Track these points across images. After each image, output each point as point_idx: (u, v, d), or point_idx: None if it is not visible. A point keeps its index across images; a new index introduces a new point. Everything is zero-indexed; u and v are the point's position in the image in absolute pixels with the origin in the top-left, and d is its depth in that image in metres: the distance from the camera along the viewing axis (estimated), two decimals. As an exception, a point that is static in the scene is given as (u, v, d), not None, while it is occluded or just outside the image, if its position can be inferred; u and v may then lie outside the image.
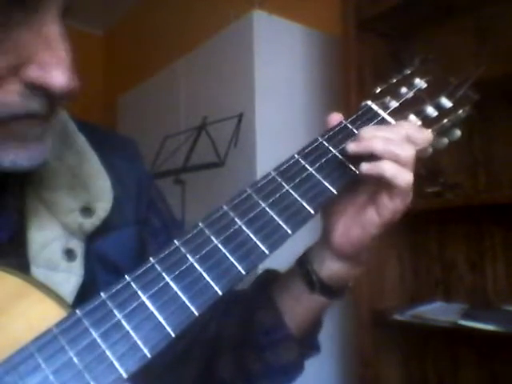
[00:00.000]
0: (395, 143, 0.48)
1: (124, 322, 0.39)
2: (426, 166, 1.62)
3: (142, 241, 0.58)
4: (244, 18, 1.89)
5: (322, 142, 0.51)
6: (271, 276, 0.61)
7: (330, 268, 0.54)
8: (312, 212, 0.47)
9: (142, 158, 0.65)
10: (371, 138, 0.49)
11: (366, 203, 0.51)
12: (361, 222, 0.51)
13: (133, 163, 0.62)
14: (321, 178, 0.48)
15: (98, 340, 0.38)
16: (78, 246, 0.49)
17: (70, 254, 0.48)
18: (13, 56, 0.39)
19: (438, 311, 1.55)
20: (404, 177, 0.47)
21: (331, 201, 0.49)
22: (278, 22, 1.90)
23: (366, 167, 0.48)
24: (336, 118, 0.53)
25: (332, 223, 0.53)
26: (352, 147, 0.49)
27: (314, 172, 0.49)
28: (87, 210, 0.51)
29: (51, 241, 0.48)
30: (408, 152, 0.48)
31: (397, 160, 0.48)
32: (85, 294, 0.47)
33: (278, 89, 1.84)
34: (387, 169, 0.47)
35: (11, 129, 0.42)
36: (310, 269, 0.54)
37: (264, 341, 0.57)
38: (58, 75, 0.40)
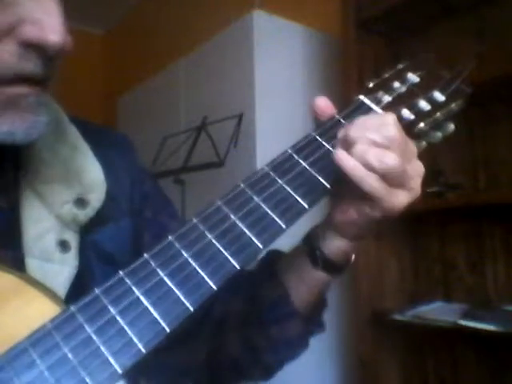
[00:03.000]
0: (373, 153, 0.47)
1: (119, 318, 0.39)
2: (425, 165, 1.61)
3: (136, 232, 0.58)
4: (244, 18, 1.89)
5: (314, 137, 0.51)
6: (276, 255, 0.62)
7: (333, 244, 0.54)
8: (306, 207, 0.46)
9: (134, 151, 0.65)
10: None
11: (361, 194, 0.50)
12: (357, 207, 0.50)
13: (125, 157, 0.62)
14: (314, 173, 0.48)
15: (93, 336, 0.38)
16: (72, 238, 0.50)
17: (64, 245, 0.49)
18: (7, 16, 0.40)
19: (438, 311, 1.55)
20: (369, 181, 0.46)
21: (325, 195, 0.49)
22: (278, 22, 1.90)
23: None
24: (323, 102, 0.53)
25: (335, 203, 0.53)
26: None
27: (307, 166, 0.48)
28: (81, 202, 0.51)
29: (45, 232, 0.48)
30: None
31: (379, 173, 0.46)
32: (81, 285, 0.47)
33: (277, 89, 1.84)
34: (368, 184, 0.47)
35: (5, 93, 0.42)
36: (315, 245, 0.55)
37: (269, 316, 0.57)
38: (52, 32, 0.41)
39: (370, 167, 0.46)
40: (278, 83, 1.84)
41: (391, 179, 0.47)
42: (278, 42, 1.87)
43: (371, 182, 0.46)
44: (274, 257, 0.62)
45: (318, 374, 1.76)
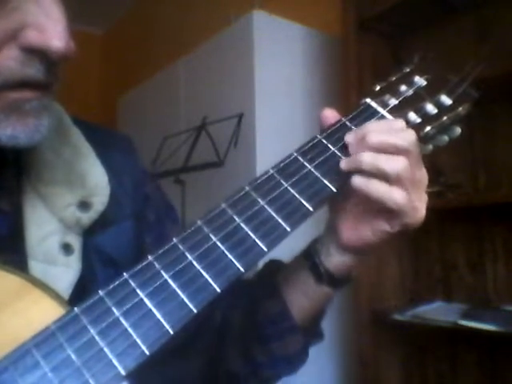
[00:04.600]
0: (384, 157, 0.47)
1: (122, 320, 0.39)
2: (425, 165, 1.61)
3: (137, 235, 0.58)
4: (244, 18, 1.89)
5: (320, 140, 0.51)
6: (276, 266, 0.62)
7: (338, 259, 0.54)
8: (311, 209, 0.46)
9: (137, 153, 0.65)
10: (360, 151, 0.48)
11: (378, 209, 0.49)
12: (372, 226, 0.50)
13: (128, 158, 0.62)
14: (319, 176, 0.48)
15: (97, 337, 0.38)
16: (75, 241, 0.50)
17: (67, 248, 0.49)
18: (10, 21, 0.40)
19: (438, 311, 1.55)
20: (395, 197, 0.47)
21: (331, 198, 0.49)
22: (278, 21, 1.90)
23: (357, 182, 0.48)
24: (330, 114, 0.53)
25: (341, 218, 0.53)
26: (343, 165, 0.49)
27: (312, 169, 0.48)
28: (84, 205, 0.51)
29: (49, 235, 0.48)
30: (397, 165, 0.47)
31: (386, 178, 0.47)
32: (84, 288, 0.47)
33: (278, 89, 1.84)
34: (375, 189, 0.47)
35: (8, 98, 0.42)
36: (318, 261, 0.55)
37: (269, 331, 0.57)
38: (55, 37, 0.41)
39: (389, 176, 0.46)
40: (278, 83, 1.84)
41: (412, 187, 0.47)
42: (278, 41, 1.87)
43: (397, 197, 0.46)
44: (274, 268, 0.62)
45: (318, 373, 1.76)
